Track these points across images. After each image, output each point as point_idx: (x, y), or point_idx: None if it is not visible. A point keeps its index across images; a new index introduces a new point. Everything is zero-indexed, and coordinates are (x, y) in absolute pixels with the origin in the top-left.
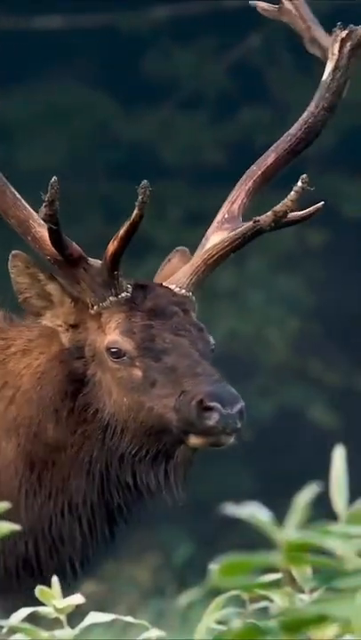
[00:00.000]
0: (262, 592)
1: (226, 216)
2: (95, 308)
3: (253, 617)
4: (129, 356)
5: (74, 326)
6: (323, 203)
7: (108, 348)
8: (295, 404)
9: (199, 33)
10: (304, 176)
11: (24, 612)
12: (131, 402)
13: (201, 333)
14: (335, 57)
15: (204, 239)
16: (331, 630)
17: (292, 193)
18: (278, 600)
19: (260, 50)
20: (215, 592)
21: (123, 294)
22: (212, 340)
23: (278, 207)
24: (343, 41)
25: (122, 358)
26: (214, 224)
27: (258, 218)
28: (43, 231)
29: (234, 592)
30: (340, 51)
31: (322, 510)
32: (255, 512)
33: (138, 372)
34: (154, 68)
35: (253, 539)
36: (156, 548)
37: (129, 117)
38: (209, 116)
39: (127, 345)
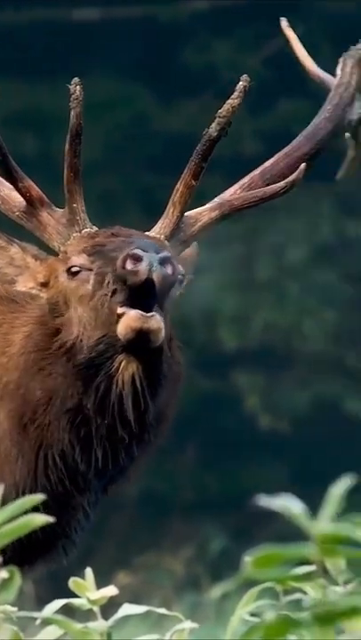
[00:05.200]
0: (296, 584)
1: (216, 199)
2: (62, 248)
3: (287, 609)
4: (85, 267)
5: (44, 284)
6: (305, 164)
7: (67, 271)
8: (332, 395)
9: (238, 24)
10: (245, 76)
11: (57, 603)
12: (89, 313)
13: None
14: (339, 75)
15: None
16: None
17: (235, 93)
18: (312, 592)
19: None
20: (249, 584)
21: (86, 229)
22: (178, 268)
23: (222, 110)
24: (344, 60)
25: (80, 274)
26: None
27: (205, 130)
28: (10, 191)
29: (268, 584)
30: (343, 69)
31: (356, 502)
32: (288, 504)
33: (91, 278)
34: (192, 59)
35: (288, 531)
36: (190, 539)
37: (167, 109)
38: (247, 107)
39: (81, 259)
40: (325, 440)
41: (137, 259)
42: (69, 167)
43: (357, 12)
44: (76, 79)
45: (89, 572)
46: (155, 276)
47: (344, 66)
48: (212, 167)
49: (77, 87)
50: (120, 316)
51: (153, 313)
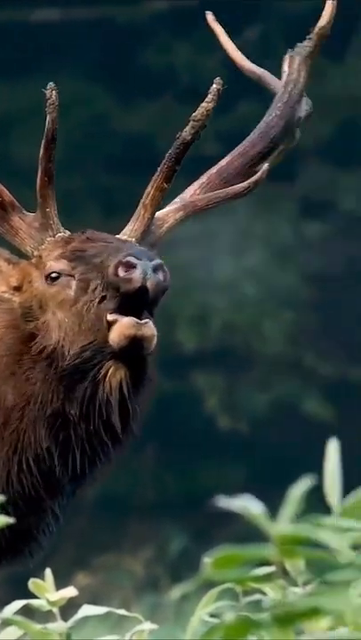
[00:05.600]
0: (255, 585)
1: (177, 200)
2: (35, 253)
3: (246, 610)
4: (65, 273)
5: (17, 288)
6: (268, 165)
7: (47, 277)
8: (290, 396)
9: (197, 25)
10: (217, 78)
11: (17, 604)
12: (71, 318)
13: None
14: (286, 73)
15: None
16: (324, 623)
17: (209, 96)
18: (271, 593)
19: (258, 42)
20: (209, 585)
21: (60, 234)
22: (169, 275)
23: (195, 113)
24: (292, 58)
25: (59, 279)
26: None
27: (179, 134)
28: None
29: (227, 585)
30: (290, 66)
31: (316, 503)
32: (248, 505)
33: (72, 283)
34: (151, 60)
35: (247, 531)
36: (149, 540)
37: (127, 110)
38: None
39: (61, 264)
40: (284, 441)
41: (130, 266)
42: (44, 172)
43: (316, 12)
44: (51, 84)
45: (48, 573)
46: (149, 284)
47: (291, 63)
48: None
49: (53, 92)
50: (111, 322)
51: (147, 320)
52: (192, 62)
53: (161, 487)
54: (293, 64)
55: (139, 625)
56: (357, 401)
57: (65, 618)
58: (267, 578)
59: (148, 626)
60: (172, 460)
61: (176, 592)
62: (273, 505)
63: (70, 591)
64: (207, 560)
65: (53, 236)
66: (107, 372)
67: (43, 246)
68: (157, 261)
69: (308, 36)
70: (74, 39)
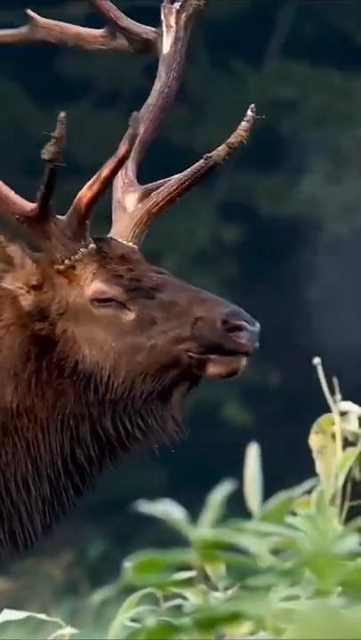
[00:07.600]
0: (176, 590)
1: (126, 181)
2: (66, 262)
3: (167, 614)
4: (118, 300)
5: (36, 287)
6: (204, 159)
7: (94, 298)
8: (209, 400)
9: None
10: (252, 105)
11: None
12: (123, 345)
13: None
14: (173, 29)
15: (116, 202)
16: (244, 628)
17: (243, 123)
18: (192, 598)
19: None
20: (129, 589)
21: (91, 245)
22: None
23: (232, 139)
24: (179, 13)
25: (109, 303)
26: (119, 189)
27: (209, 154)
28: (7, 191)
29: (148, 589)
30: (176, 22)
31: (236, 508)
32: (169, 509)
33: (130, 315)
34: (70, 65)
35: (168, 536)
36: (68, 544)
37: (44, 115)
38: (125, 115)
39: (114, 291)
40: (204, 445)
41: (240, 329)
42: (103, 184)
43: (234, 16)
44: (135, 114)
45: None
46: (251, 350)
47: (178, 19)
48: (92, 175)
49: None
50: (200, 361)
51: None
52: (110, 68)
53: None
54: (180, 20)
55: (59, 629)
56: (276, 405)
57: None
58: (188, 582)
59: (68, 630)
60: None
61: (97, 597)
62: (193, 509)
63: None
64: (128, 564)
65: (85, 247)
66: (173, 392)
67: (76, 257)
68: (258, 326)
69: None
70: None
